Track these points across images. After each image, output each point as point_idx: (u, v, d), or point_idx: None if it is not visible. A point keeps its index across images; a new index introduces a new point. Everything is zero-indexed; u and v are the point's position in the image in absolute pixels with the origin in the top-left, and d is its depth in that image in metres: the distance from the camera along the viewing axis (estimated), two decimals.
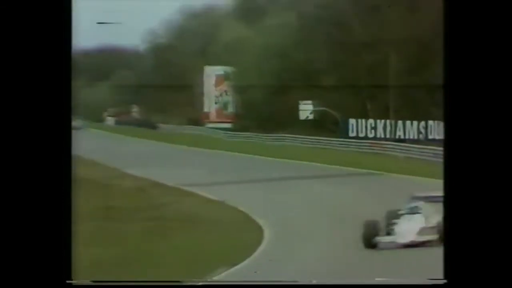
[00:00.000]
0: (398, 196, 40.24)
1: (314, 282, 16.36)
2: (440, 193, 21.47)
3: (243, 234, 29.44)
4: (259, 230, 30.18)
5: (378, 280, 15.75)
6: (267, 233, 29.46)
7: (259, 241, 28.03)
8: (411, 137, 64.65)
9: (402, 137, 65.31)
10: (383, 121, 67.60)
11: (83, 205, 35.94)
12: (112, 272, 23.64)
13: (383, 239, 27.05)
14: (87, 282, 12.84)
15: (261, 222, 31.53)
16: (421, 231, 27.07)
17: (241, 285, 14.58)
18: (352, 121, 69.68)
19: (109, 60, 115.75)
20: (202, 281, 17.45)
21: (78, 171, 44.93)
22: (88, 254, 26.05)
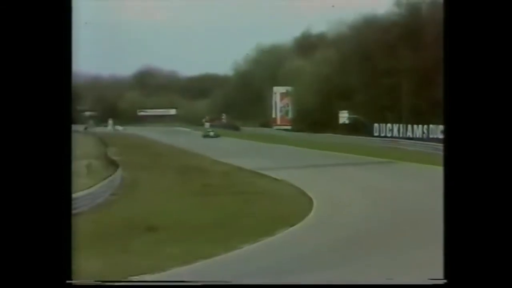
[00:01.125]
0: (404, 176, 40.67)
1: (314, 282, 14.07)
2: None
3: (299, 203, 29.36)
4: (310, 200, 29.93)
5: (378, 280, 13.11)
6: (315, 202, 29.19)
7: (310, 208, 27.87)
8: (417, 136, 64.38)
9: (410, 136, 65.09)
10: (397, 125, 67.45)
11: (192, 183, 36.96)
12: (214, 227, 24.02)
13: None
14: (87, 282, 10.18)
15: (311, 194, 31.24)
16: None
17: (241, 285, 11.88)
18: (376, 125, 69.65)
19: (207, 83, 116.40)
20: (202, 282, 14.05)
21: (188, 161, 45.77)
22: (196, 217, 26.76)
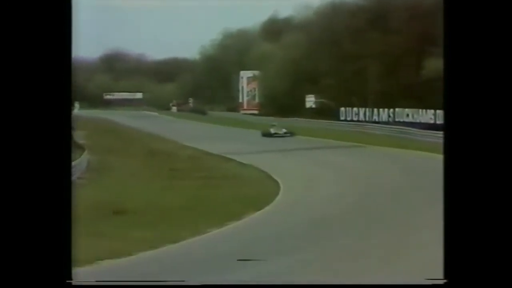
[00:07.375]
0: (371, 158, 40.92)
1: (313, 282, 13.39)
2: None
3: (266, 187, 29.51)
4: (277, 184, 30.05)
5: (378, 280, 12.81)
6: (281, 186, 29.30)
7: (277, 191, 28.00)
8: (383, 120, 64.64)
9: (376, 120, 65.34)
10: (363, 109, 67.69)
11: (158, 167, 36.89)
12: (181, 211, 23.88)
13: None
14: (87, 282, 9.96)
15: (277, 179, 31.31)
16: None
17: (241, 285, 11.63)
18: (342, 109, 69.82)
19: (174, 66, 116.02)
20: (202, 282, 13.52)
21: (154, 145, 45.55)
22: (163, 201, 26.65)
